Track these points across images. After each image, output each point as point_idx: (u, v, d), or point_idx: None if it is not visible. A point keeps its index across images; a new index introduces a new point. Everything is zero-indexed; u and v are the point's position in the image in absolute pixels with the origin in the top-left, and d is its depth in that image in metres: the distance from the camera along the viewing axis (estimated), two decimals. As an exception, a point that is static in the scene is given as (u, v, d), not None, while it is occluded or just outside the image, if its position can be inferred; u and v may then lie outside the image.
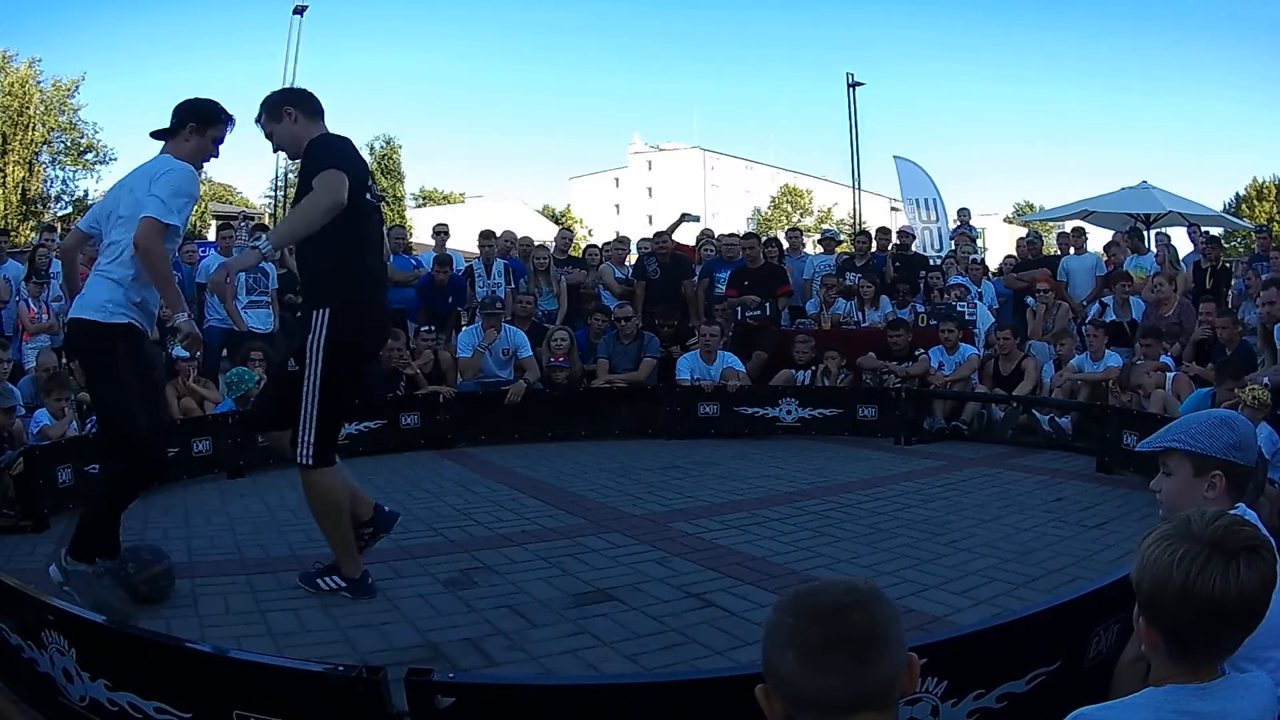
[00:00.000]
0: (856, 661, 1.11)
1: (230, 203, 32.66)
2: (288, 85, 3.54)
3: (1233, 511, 1.83)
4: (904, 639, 1.16)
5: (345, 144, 3.38)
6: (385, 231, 3.61)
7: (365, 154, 34.80)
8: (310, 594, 3.52)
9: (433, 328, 8.22)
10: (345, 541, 3.51)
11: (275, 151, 3.54)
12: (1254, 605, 1.32)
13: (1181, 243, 9.98)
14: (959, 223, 11.58)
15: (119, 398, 3.25)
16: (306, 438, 3.33)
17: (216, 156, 3.47)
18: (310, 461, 3.34)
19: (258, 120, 3.47)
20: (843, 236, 18.36)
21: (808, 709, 1.13)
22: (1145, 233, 11.00)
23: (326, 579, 3.55)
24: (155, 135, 3.42)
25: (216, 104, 3.44)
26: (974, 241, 11.37)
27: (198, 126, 3.36)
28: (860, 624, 1.12)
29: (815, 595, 1.17)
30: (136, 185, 3.26)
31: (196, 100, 3.43)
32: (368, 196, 3.41)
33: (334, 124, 3.42)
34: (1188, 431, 1.98)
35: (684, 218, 11.39)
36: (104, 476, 3.50)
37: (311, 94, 3.53)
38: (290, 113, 3.41)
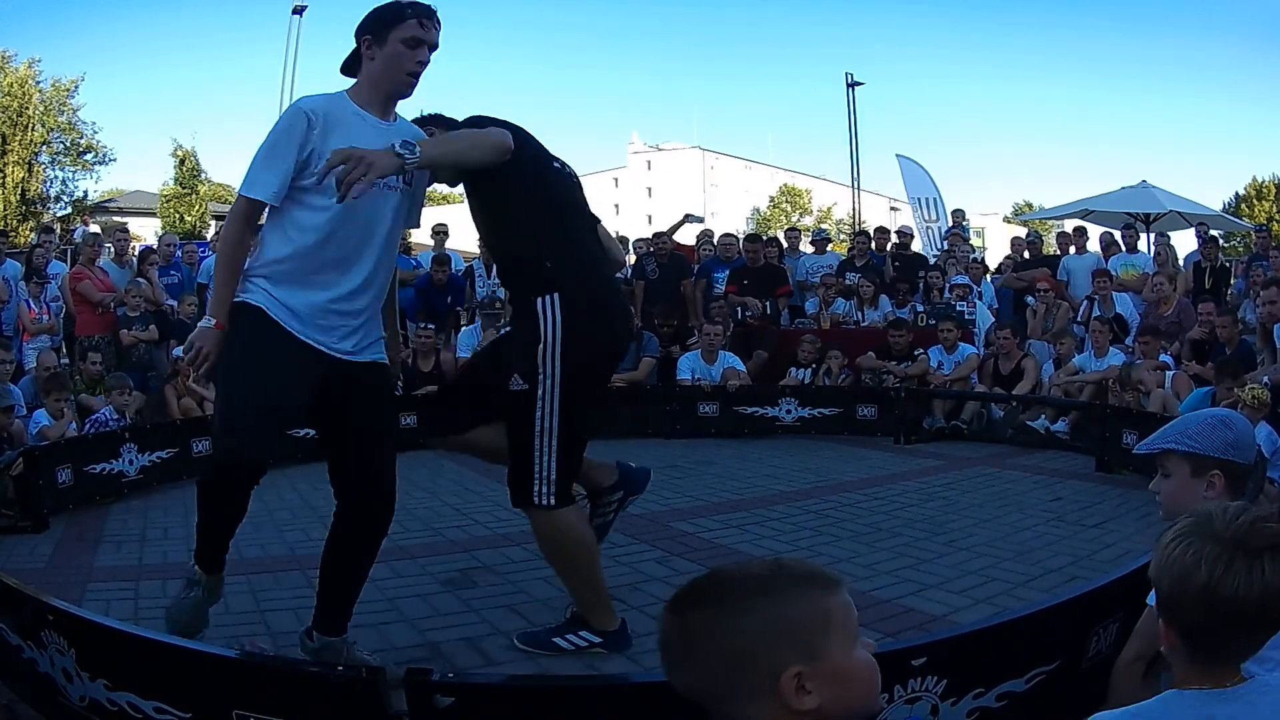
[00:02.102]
0: (667, 660, 1.06)
1: (230, 203, 32.61)
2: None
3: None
4: (749, 655, 0.98)
5: (518, 130, 2.78)
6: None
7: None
8: (307, 597, 3.51)
9: (431, 325, 8.22)
10: (595, 588, 2.88)
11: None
12: (1277, 605, 1.26)
13: (1187, 243, 10.01)
14: (952, 223, 11.63)
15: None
16: (545, 473, 2.68)
17: (426, 62, 2.54)
18: (551, 502, 2.71)
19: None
20: (843, 236, 18.35)
21: None
22: (1138, 231, 11.00)
23: (568, 637, 2.89)
24: (346, 71, 2.66)
25: (394, 3, 2.55)
26: (968, 241, 11.40)
27: (373, 38, 2.52)
28: (670, 624, 1.05)
29: (700, 581, 1.06)
30: None
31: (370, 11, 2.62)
32: (556, 165, 2.83)
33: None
34: (1184, 432, 1.97)
35: (687, 219, 11.38)
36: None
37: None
38: None
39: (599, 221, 3.07)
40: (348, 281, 2.51)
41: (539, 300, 2.64)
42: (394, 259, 2.69)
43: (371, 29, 2.53)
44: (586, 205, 2.94)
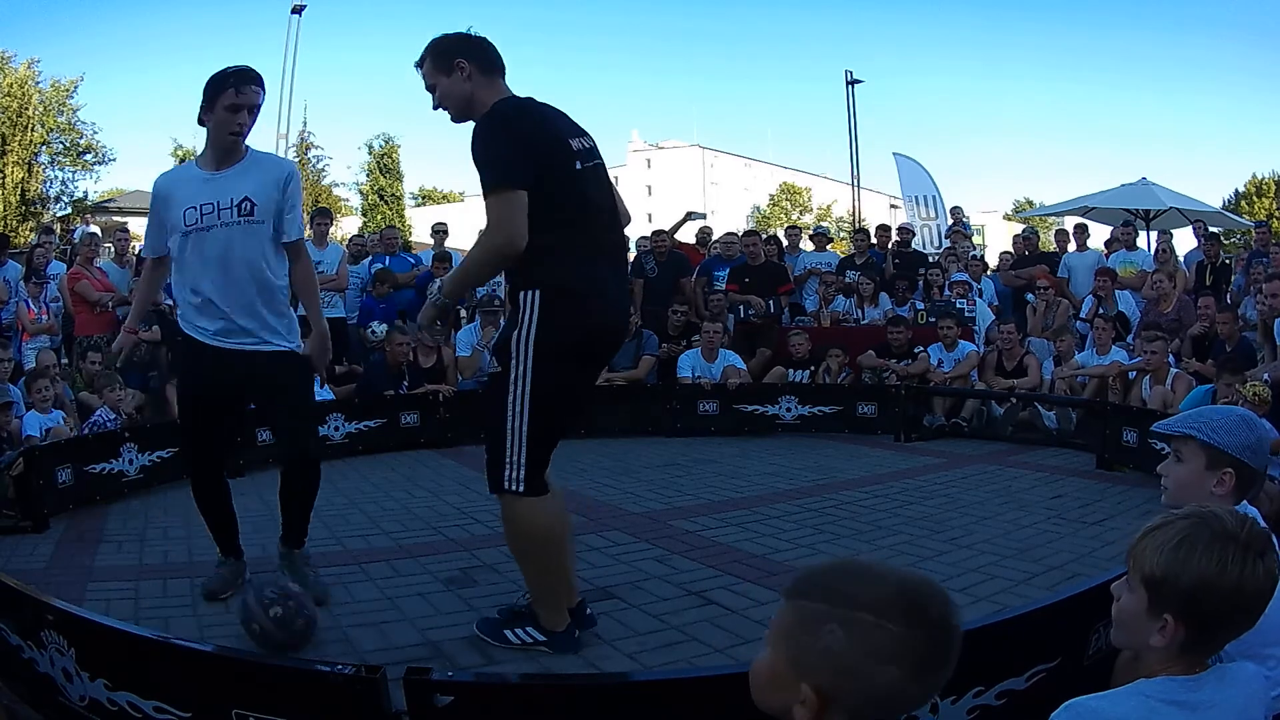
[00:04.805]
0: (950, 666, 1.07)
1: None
2: (460, 32, 2.93)
3: (1236, 509, 1.83)
4: None
5: (522, 116, 2.78)
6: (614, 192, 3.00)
7: (364, 154, 33.35)
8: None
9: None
10: (549, 587, 2.88)
11: (435, 109, 2.91)
12: (1271, 593, 1.40)
13: (1187, 241, 9.97)
14: (952, 220, 11.62)
15: None
16: (514, 457, 2.71)
17: (245, 124, 3.20)
18: (520, 487, 2.73)
19: (418, 65, 2.89)
20: (843, 233, 18.32)
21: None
22: (1136, 229, 11.00)
23: (517, 630, 2.92)
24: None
25: (217, 75, 3.17)
26: (968, 239, 11.39)
27: (206, 107, 3.19)
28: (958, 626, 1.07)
29: (916, 594, 1.04)
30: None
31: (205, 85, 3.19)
32: (577, 165, 2.78)
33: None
34: (1209, 423, 1.95)
35: (689, 216, 11.34)
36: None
37: (490, 44, 2.91)
38: (463, 67, 2.82)
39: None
40: None
41: (522, 294, 2.74)
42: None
43: (204, 101, 3.14)
44: (601, 193, 2.87)
